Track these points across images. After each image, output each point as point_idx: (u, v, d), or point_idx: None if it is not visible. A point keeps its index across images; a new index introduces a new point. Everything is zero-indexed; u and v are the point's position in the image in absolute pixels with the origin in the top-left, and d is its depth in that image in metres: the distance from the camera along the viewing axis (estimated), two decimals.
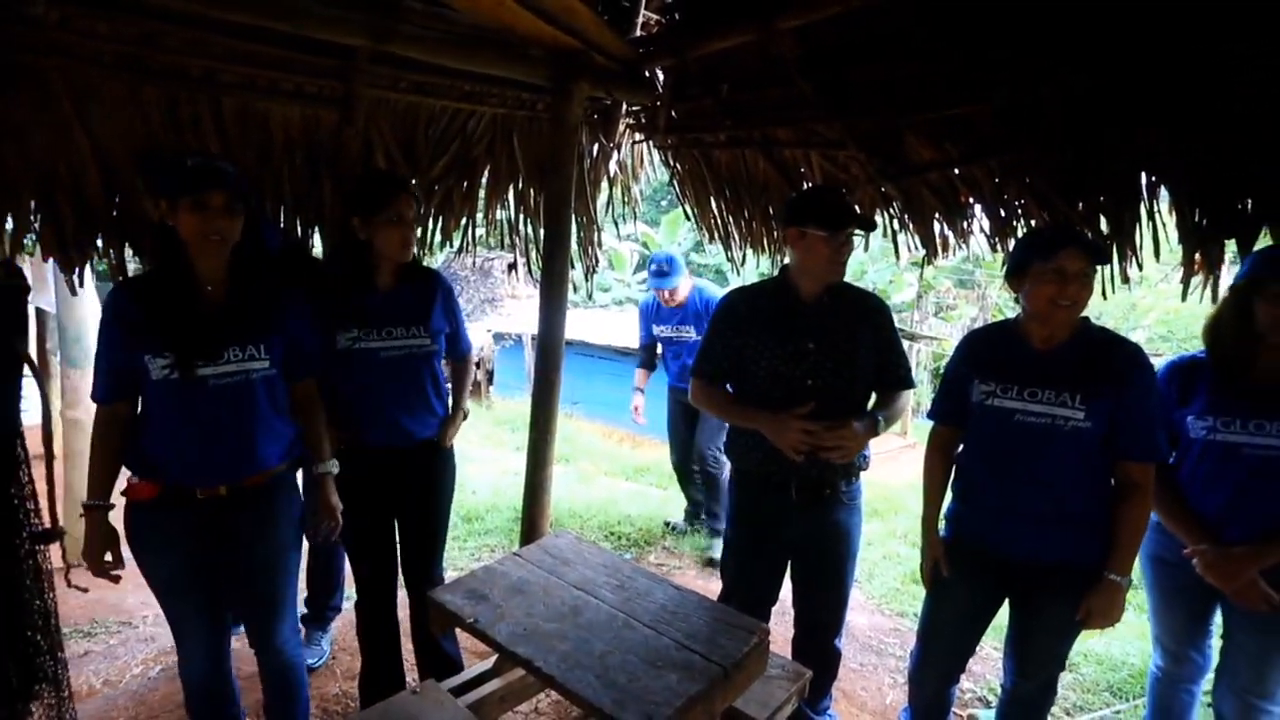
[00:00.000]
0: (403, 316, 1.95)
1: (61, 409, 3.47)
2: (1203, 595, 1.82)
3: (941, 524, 1.92)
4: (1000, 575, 1.80)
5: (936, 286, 15.93)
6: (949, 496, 1.92)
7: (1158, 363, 1.79)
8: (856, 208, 1.98)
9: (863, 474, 2.01)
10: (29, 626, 1.45)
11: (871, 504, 7.44)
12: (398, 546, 2.14)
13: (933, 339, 14.95)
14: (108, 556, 1.58)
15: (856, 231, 1.86)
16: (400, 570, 2.18)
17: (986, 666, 2.67)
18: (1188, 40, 1.71)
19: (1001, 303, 15.33)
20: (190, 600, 1.67)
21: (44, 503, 1.51)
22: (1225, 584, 1.69)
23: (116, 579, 1.61)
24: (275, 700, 1.86)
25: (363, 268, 1.92)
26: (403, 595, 2.18)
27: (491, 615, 1.62)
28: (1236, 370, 1.73)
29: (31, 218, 1.92)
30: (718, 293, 3.32)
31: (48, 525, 1.48)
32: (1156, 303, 8.82)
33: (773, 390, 1.90)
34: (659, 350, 3.98)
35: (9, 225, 1.87)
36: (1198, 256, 1.95)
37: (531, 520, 2.43)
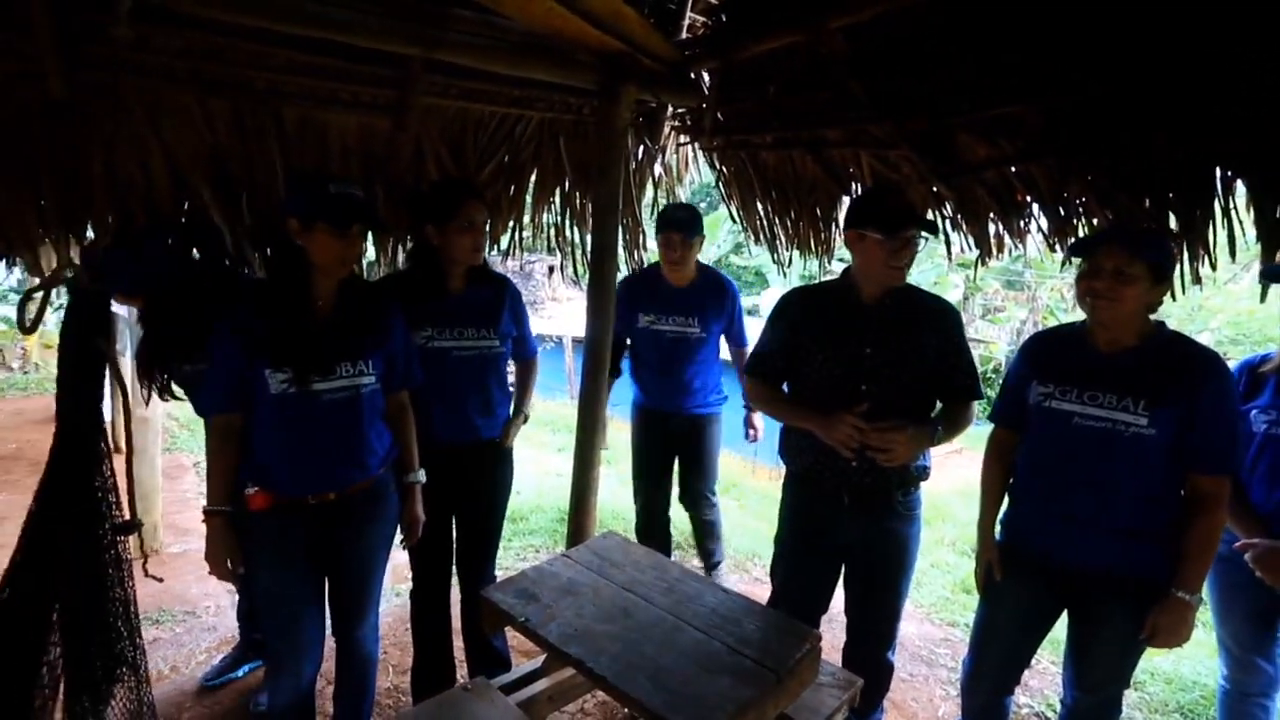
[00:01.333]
0: (474, 319, 2.03)
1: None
2: (1266, 594, 1.78)
3: (998, 528, 1.87)
4: (1057, 583, 1.75)
5: (984, 288, 15.47)
6: (1006, 500, 1.86)
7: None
8: (917, 209, 1.92)
9: (922, 484, 1.95)
10: (111, 613, 1.53)
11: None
12: (454, 543, 2.19)
13: (980, 342, 14.51)
14: (229, 562, 1.66)
15: (923, 235, 1.82)
16: (455, 566, 2.22)
17: (1044, 681, 2.58)
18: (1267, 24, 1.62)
19: (1052, 304, 14.82)
20: (301, 611, 1.73)
21: (122, 496, 1.58)
22: (1275, 578, 1.68)
23: (240, 580, 1.74)
24: (349, 693, 1.94)
25: (435, 272, 1.99)
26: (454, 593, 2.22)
27: (542, 615, 1.63)
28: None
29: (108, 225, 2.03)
30: (733, 281, 2.87)
31: (126, 517, 1.56)
32: (1225, 304, 8.39)
33: (826, 394, 1.87)
34: (630, 347, 2.92)
35: (90, 233, 1.96)
36: (1278, 256, 1.85)
37: (579, 521, 2.44)
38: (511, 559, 3.51)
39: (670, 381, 2.75)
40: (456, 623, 2.30)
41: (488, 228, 2.90)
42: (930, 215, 2.54)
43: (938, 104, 2.13)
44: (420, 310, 1.96)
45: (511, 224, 3.05)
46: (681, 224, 2.66)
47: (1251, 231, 1.88)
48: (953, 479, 8.46)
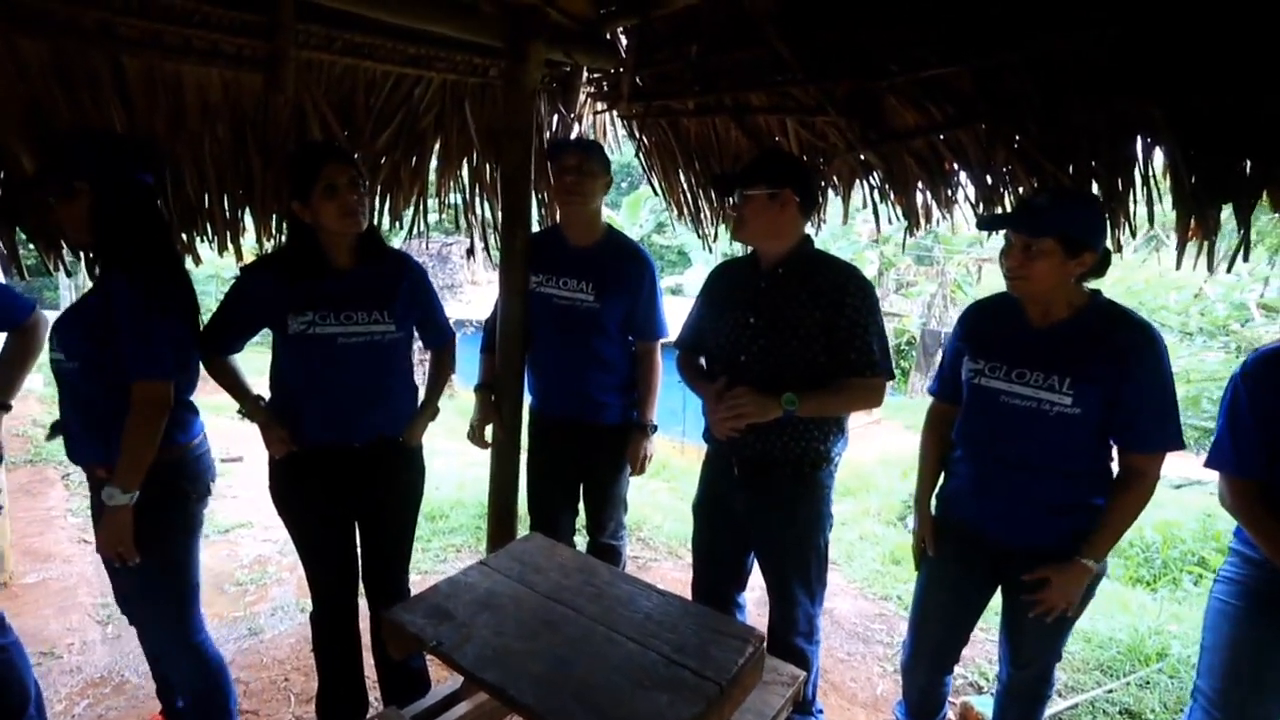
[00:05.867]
0: (363, 299, 1.76)
1: None
2: None
3: (933, 503, 1.83)
4: (991, 559, 1.72)
5: (897, 264, 16.08)
6: (943, 474, 1.83)
7: None
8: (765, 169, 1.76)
9: (831, 469, 1.85)
10: None
11: (844, 483, 7.47)
12: (358, 553, 1.95)
13: (895, 315, 15.11)
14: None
15: (758, 191, 1.71)
16: (361, 579, 1.98)
17: (976, 651, 2.60)
18: None
19: (959, 278, 15.59)
20: None
21: None
22: None
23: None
24: None
25: (314, 251, 1.72)
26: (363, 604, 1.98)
27: (456, 636, 1.44)
28: None
29: None
30: (652, 258, 2.25)
31: None
32: (1125, 274, 8.94)
33: (717, 364, 1.86)
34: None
35: None
36: (1193, 222, 1.87)
37: (499, 522, 2.25)
38: (430, 561, 3.27)
39: (563, 370, 2.19)
40: (367, 638, 2.06)
41: (379, 204, 2.64)
42: (857, 185, 2.49)
43: (866, 66, 2.03)
44: (299, 292, 1.70)
45: (415, 199, 2.78)
46: (580, 142, 2.19)
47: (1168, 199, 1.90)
48: (874, 449, 8.76)
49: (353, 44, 2.22)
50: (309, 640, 2.00)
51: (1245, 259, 1.88)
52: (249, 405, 1.80)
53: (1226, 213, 1.84)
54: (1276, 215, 1.88)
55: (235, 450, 4.95)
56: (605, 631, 1.47)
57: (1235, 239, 1.83)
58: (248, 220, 2.42)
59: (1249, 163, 1.76)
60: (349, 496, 1.85)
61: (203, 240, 2.33)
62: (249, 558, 3.27)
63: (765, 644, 1.49)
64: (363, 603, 1.97)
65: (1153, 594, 3.77)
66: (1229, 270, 1.95)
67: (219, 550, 3.35)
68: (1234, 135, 1.72)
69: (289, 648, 2.52)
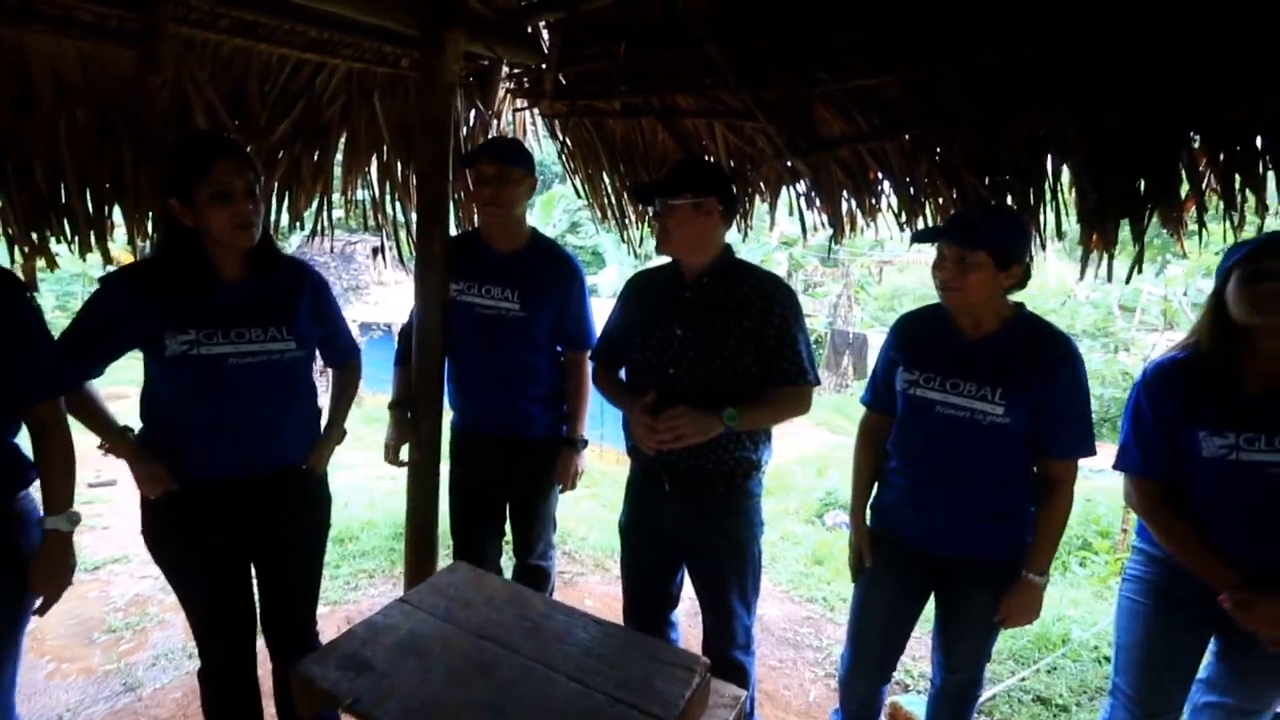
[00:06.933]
0: (258, 315, 1.55)
1: None
2: (1200, 640, 1.60)
3: (869, 513, 1.84)
4: (926, 568, 1.75)
5: (805, 265, 16.72)
6: (877, 485, 1.84)
7: None
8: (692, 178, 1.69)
9: (760, 476, 1.83)
10: None
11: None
12: (255, 596, 1.73)
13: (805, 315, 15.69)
14: None
15: (681, 201, 1.65)
16: (260, 623, 1.76)
17: (904, 651, 2.67)
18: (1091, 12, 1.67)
19: (862, 279, 16.39)
20: None
21: None
22: (1274, 631, 1.44)
23: None
24: None
25: (197, 259, 1.49)
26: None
27: (377, 689, 1.29)
28: (1227, 378, 1.49)
29: None
30: (580, 264, 2.16)
31: None
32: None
33: (643, 378, 1.79)
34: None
35: None
36: (1094, 236, 1.98)
37: (419, 550, 2.08)
38: (340, 589, 3.01)
39: (488, 383, 2.06)
40: (266, 683, 1.84)
41: (277, 203, 2.41)
42: (784, 191, 2.50)
43: (798, 73, 2.02)
44: (179, 307, 1.47)
45: (318, 197, 2.55)
46: (498, 149, 1.98)
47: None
48: (790, 447, 9.03)
49: (243, 22, 1.99)
50: (198, 693, 1.76)
51: (1140, 271, 2.01)
52: (113, 438, 1.54)
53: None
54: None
55: (107, 473, 4.42)
56: (543, 671, 1.36)
57: (1131, 250, 1.95)
58: (117, 217, 2.13)
59: (1143, 182, 1.88)
60: (244, 536, 1.63)
61: (59, 240, 2.02)
62: (124, 599, 2.89)
63: (710, 670, 1.45)
64: (261, 645, 1.76)
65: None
66: (1127, 282, 2.09)
67: (86, 591, 2.94)
68: (1133, 155, 1.84)
69: (174, 704, 2.22)
